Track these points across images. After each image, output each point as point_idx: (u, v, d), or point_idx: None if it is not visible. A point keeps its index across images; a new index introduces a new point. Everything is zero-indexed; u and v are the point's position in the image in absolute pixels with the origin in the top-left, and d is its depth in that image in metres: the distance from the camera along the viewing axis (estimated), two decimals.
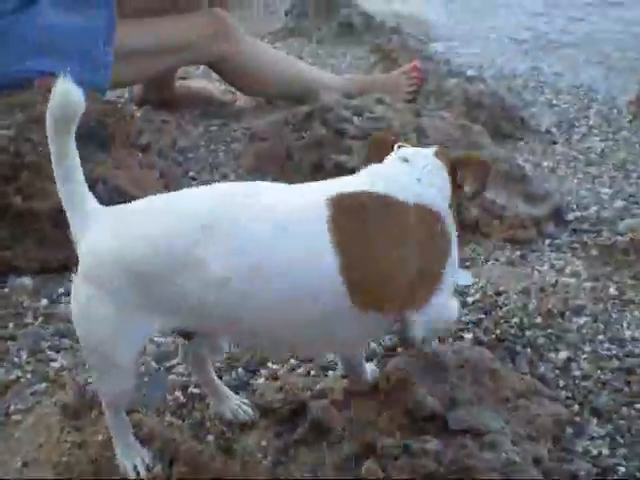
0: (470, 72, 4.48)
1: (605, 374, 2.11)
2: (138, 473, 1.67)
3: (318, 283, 1.48)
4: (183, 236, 1.45)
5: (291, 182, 1.65)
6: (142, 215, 1.52)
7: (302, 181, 1.67)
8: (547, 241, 3.00)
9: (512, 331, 2.27)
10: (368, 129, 3.19)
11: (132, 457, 1.68)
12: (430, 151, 1.74)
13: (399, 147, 1.74)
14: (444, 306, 1.71)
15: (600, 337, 2.27)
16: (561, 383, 2.07)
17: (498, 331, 2.26)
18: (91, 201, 1.53)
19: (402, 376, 1.90)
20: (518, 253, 2.87)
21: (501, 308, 2.39)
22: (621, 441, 1.89)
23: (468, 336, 2.23)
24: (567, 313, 2.37)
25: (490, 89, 4.29)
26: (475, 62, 5.53)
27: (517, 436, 1.81)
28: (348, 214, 1.52)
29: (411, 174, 1.67)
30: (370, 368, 1.93)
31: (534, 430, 1.84)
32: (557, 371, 2.11)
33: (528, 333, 2.25)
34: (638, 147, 4.09)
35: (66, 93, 1.40)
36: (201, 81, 4.63)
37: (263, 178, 1.86)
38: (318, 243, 1.47)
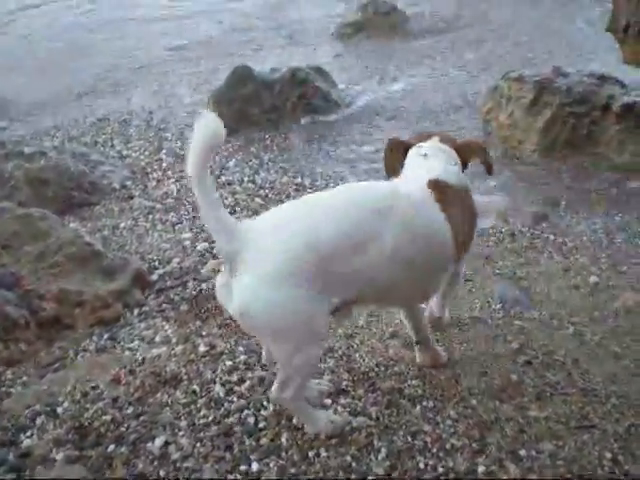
0: (28, 149, 4.24)
1: (205, 445, 2.07)
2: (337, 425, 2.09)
3: (442, 245, 2.10)
4: (362, 222, 1.92)
5: None
6: (326, 210, 1.93)
7: None
8: (136, 311, 2.90)
9: (107, 432, 2.13)
10: None
11: (321, 419, 2.08)
12: (440, 145, 2.31)
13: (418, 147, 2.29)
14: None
15: (195, 406, 2.23)
16: (162, 473, 1.98)
17: (91, 438, 2.12)
18: (233, 219, 1.88)
19: None
20: (107, 336, 2.73)
21: (88, 410, 2.23)
22: None
23: (59, 456, 2.05)
24: (159, 390, 2.30)
25: (52, 162, 4.13)
26: (30, 134, 5.32)
27: None
28: (443, 194, 2.10)
29: (444, 164, 2.23)
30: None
31: None
32: (156, 462, 2.02)
33: (122, 429, 2.14)
34: None
35: (215, 122, 1.74)
36: None
37: None
38: (438, 216, 2.07)
